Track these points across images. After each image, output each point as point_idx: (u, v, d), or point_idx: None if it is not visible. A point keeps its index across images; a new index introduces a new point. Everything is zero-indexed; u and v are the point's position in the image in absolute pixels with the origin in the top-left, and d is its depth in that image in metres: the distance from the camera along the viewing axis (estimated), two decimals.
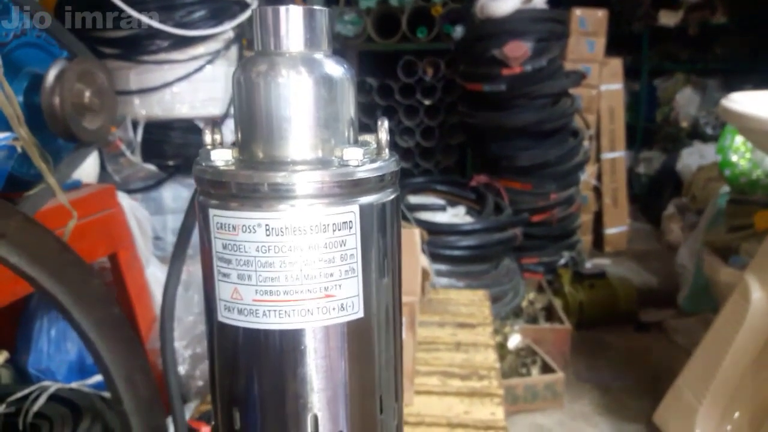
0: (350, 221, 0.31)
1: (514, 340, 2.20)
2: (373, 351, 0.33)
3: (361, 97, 3.03)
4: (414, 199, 2.49)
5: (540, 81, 2.56)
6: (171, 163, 1.38)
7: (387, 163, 0.33)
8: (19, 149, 0.78)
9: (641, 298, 2.73)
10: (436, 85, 2.95)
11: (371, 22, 2.93)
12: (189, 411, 1.09)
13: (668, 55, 4.50)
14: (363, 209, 0.31)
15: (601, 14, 3.06)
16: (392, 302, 0.34)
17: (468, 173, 2.89)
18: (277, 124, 0.31)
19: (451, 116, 2.99)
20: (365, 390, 0.33)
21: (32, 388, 0.95)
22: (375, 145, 0.34)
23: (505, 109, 2.61)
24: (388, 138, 0.34)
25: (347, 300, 0.31)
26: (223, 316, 0.32)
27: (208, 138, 0.32)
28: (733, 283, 1.85)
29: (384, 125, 0.34)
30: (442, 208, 2.42)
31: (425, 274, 0.98)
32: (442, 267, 2.20)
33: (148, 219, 1.21)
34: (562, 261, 2.75)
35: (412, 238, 0.93)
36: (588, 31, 3.05)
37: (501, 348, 2.16)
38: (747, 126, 1.72)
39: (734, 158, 2.37)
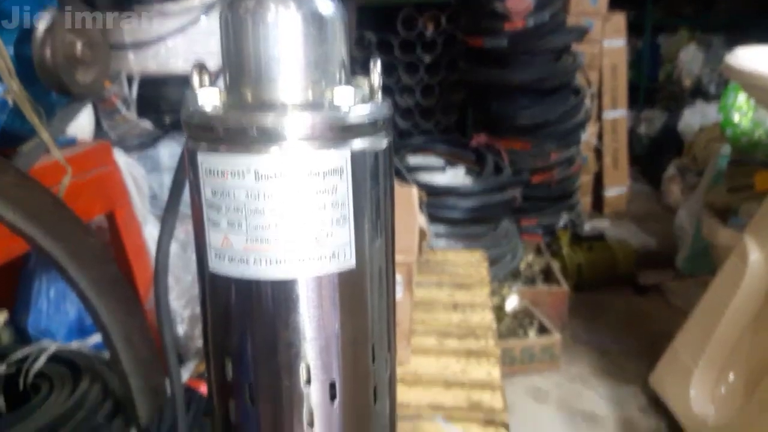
0: (341, 167, 0.30)
1: (512, 302, 2.21)
2: (365, 301, 0.33)
3: (359, 52, 2.97)
4: (413, 160, 2.47)
5: (542, 36, 2.51)
6: (167, 119, 1.36)
7: (379, 107, 0.32)
8: (11, 103, 0.77)
9: (640, 261, 2.73)
10: (437, 40, 2.89)
11: None
12: (188, 371, 1.10)
13: (672, 11, 4.40)
14: (354, 155, 0.30)
15: None
16: (385, 253, 0.33)
17: (468, 133, 2.86)
18: (265, 64, 0.30)
19: (451, 73, 2.94)
20: (357, 340, 0.33)
21: (32, 348, 0.96)
22: (367, 89, 0.33)
23: (507, 65, 2.57)
24: (381, 81, 0.33)
25: (339, 249, 0.31)
26: (214, 265, 0.32)
27: (195, 80, 0.31)
28: (732, 244, 1.85)
29: (377, 67, 0.33)
30: (442, 169, 2.40)
31: (422, 233, 0.97)
32: (441, 229, 2.19)
33: (145, 177, 1.20)
34: (561, 223, 2.75)
35: (410, 196, 0.92)
36: None
37: (498, 310, 2.17)
38: (751, 83, 1.69)
39: (736, 118, 2.34)
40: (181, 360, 1.17)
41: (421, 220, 1.00)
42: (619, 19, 3.26)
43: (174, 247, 1.20)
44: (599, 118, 3.29)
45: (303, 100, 0.30)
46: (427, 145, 2.63)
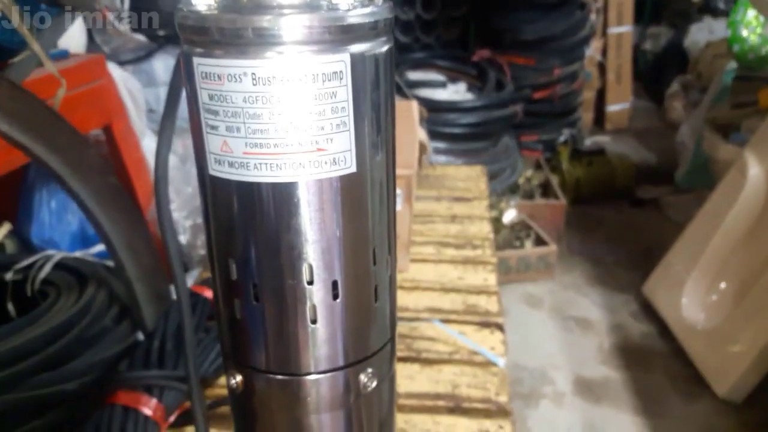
0: (341, 71, 0.30)
1: (510, 215, 2.24)
2: (366, 205, 0.33)
3: None
4: (414, 75, 2.43)
5: None
6: (161, 32, 1.33)
7: (380, 9, 0.31)
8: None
9: (639, 175, 2.74)
10: None
11: None
12: (192, 278, 1.13)
13: None
14: (354, 59, 0.30)
15: None
16: (386, 161, 0.34)
17: (471, 48, 2.79)
18: None
19: None
20: (358, 242, 0.33)
21: (37, 256, 0.98)
22: None
23: None
24: None
25: (339, 154, 0.31)
26: (214, 170, 0.32)
27: None
28: (732, 159, 1.85)
29: None
30: (443, 85, 2.37)
31: (423, 147, 0.97)
32: (441, 145, 2.18)
33: (141, 90, 1.18)
34: (562, 138, 2.74)
35: (410, 110, 0.91)
36: None
37: (496, 222, 2.20)
38: None
39: (744, 33, 2.29)
40: (186, 268, 1.20)
41: (422, 133, 1.00)
42: None
43: (173, 160, 1.20)
44: (604, 33, 3.20)
45: (300, 1, 0.30)
46: (427, 60, 2.58)
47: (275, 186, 0.31)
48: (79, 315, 0.82)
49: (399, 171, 0.90)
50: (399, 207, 0.93)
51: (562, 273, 2.16)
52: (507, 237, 2.18)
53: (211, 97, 0.30)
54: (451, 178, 1.51)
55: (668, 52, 3.76)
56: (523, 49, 2.55)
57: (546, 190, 2.50)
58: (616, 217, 2.58)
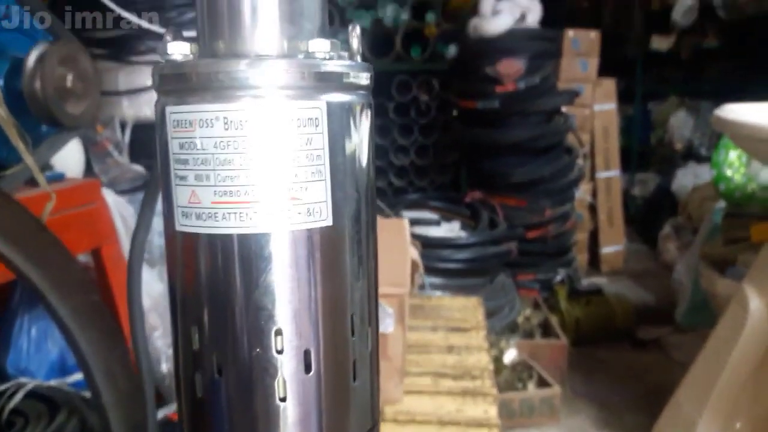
0: (316, 118, 0.29)
1: (510, 355, 2.17)
2: (344, 264, 0.31)
3: None
4: (408, 214, 2.47)
5: (533, 98, 2.57)
6: None
7: (358, 64, 0.31)
8: None
9: (638, 316, 2.70)
10: (431, 105, 2.96)
11: (366, 41, 2.95)
12: (173, 407, 1.05)
13: (662, 79, 4.54)
14: (331, 107, 0.29)
15: (593, 35, 3.09)
16: (366, 217, 0.32)
17: (463, 191, 2.88)
18: (239, 16, 0.29)
19: (445, 135, 2.99)
20: (335, 306, 0.31)
21: (8, 384, 0.92)
22: (347, 52, 0.33)
23: (499, 126, 2.62)
24: (360, 45, 0.33)
25: (314, 205, 0.29)
26: (181, 225, 0.30)
27: (168, 37, 0.31)
28: (731, 294, 1.83)
29: (356, 31, 0.33)
30: (437, 223, 2.40)
31: (415, 265, 0.96)
32: (437, 281, 2.17)
33: (134, 217, 1.19)
34: (558, 278, 2.73)
35: (400, 227, 0.91)
36: (581, 52, 3.07)
37: (497, 362, 2.12)
38: (740, 133, 1.71)
39: (728, 172, 2.36)
40: (165, 398, 1.12)
41: (413, 251, 0.99)
42: (610, 84, 3.35)
43: (160, 287, 1.18)
44: (593, 177, 3.32)
45: (278, 51, 0.30)
46: (421, 201, 2.64)
47: (244, 238, 0.29)
48: None
49: (391, 289, 0.87)
50: (390, 329, 0.90)
51: (567, 416, 2.05)
52: (509, 378, 2.09)
53: (181, 146, 0.29)
54: (447, 309, 1.48)
55: (657, 196, 3.88)
56: (514, 190, 2.62)
57: (546, 329, 2.45)
58: (619, 358, 2.50)
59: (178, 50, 0.29)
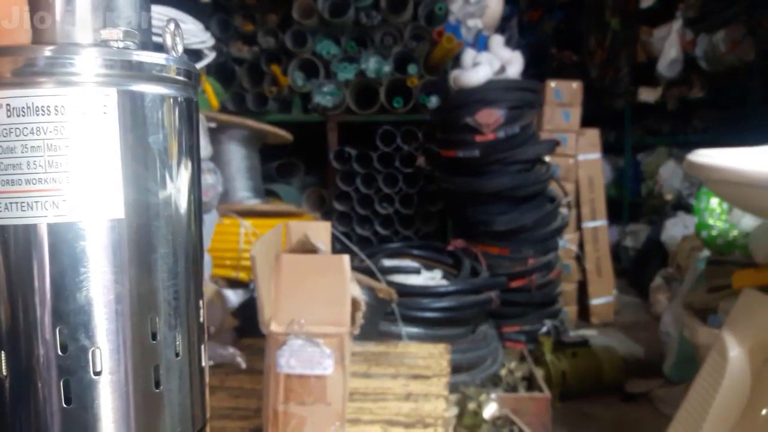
0: (105, 105, 0.28)
1: (490, 409, 2.10)
2: (140, 263, 0.29)
3: (340, 165, 3.05)
4: (388, 263, 2.45)
5: (513, 147, 2.58)
6: None
7: (160, 56, 0.31)
8: None
9: (628, 369, 2.63)
10: (414, 154, 2.98)
11: (350, 93, 3.00)
12: None
13: (650, 130, 4.58)
14: (126, 96, 0.28)
15: (575, 86, 3.13)
16: (177, 215, 0.31)
17: (448, 240, 2.87)
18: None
19: (429, 184, 3.00)
20: (128, 306, 0.29)
21: None
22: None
23: (481, 174, 2.62)
24: (177, 42, 0.32)
25: (102, 197, 0.28)
26: None
27: None
28: (712, 343, 1.79)
29: (170, 27, 0.32)
30: (416, 271, 2.38)
31: (356, 304, 0.94)
32: (415, 330, 2.13)
33: None
34: (544, 329, 2.68)
35: (340, 264, 0.89)
36: (563, 102, 3.11)
37: (475, 416, 2.06)
38: (713, 177, 1.71)
39: (710, 220, 2.35)
40: None
41: (355, 289, 0.97)
42: (593, 134, 3.37)
43: None
44: (579, 227, 3.31)
45: (64, 37, 0.29)
46: (403, 249, 2.62)
47: (26, 229, 0.28)
48: None
49: (329, 329, 0.85)
50: (330, 371, 0.87)
51: None
52: None
53: None
54: (412, 356, 1.44)
55: (648, 246, 3.85)
56: (497, 239, 2.61)
57: (531, 383, 2.38)
58: (607, 413, 2.42)
59: None
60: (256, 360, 1.30)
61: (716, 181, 1.72)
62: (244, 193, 2.33)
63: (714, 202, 2.35)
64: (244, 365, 1.26)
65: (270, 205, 2.34)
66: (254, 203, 2.31)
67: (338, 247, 2.31)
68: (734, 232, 2.28)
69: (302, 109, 3.12)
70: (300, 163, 3.12)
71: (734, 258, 2.24)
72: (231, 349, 1.30)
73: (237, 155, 2.33)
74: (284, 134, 2.50)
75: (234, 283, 1.92)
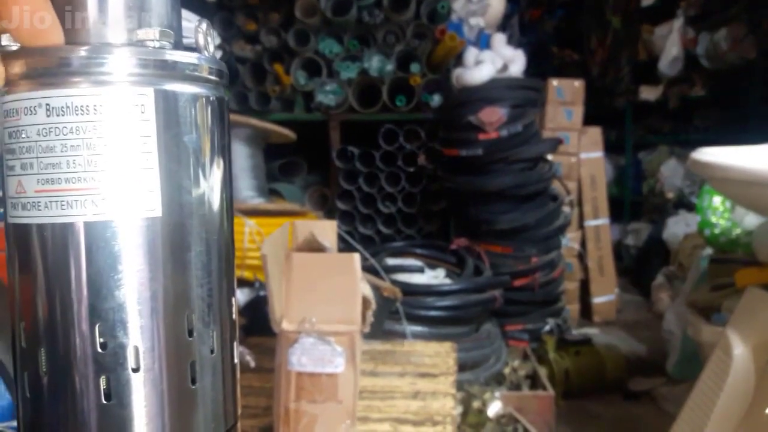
0: (143, 105, 0.28)
1: (495, 407, 2.11)
2: (177, 259, 0.30)
3: (342, 164, 3.06)
4: (392, 261, 2.45)
5: (516, 146, 2.58)
6: None
7: (197, 56, 0.31)
8: None
9: (630, 367, 2.64)
10: (416, 152, 2.98)
11: (352, 92, 3.00)
12: None
13: (651, 129, 4.59)
14: (162, 95, 0.29)
15: (577, 84, 3.14)
16: (209, 213, 0.31)
17: (451, 239, 2.87)
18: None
19: (432, 183, 3.01)
20: (165, 303, 0.29)
21: None
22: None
23: (483, 173, 2.63)
24: (210, 42, 0.33)
25: (143, 195, 0.29)
26: (11, 217, 0.29)
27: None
28: (716, 341, 1.79)
29: (202, 26, 0.32)
30: (420, 270, 2.38)
31: (366, 302, 0.94)
32: (419, 328, 2.13)
33: None
34: (547, 328, 2.68)
35: (350, 263, 0.90)
36: (565, 101, 3.11)
37: (480, 414, 2.06)
38: (716, 176, 1.72)
39: (713, 218, 2.36)
40: None
41: (365, 288, 0.97)
42: (596, 133, 3.38)
43: None
44: (581, 226, 3.31)
45: (101, 37, 0.29)
46: (406, 248, 2.63)
47: (64, 228, 0.28)
48: None
49: (340, 327, 0.86)
50: (341, 369, 0.88)
51: None
52: (493, 431, 2.03)
53: (10, 135, 0.29)
54: (419, 354, 1.45)
55: (649, 245, 3.86)
56: (500, 238, 2.61)
57: (534, 381, 2.39)
58: (610, 411, 2.43)
59: (8, 41, 0.29)
60: (264, 358, 1.30)
61: (721, 179, 1.72)
62: (248, 192, 2.34)
63: (717, 200, 2.35)
64: (253, 364, 1.27)
65: (274, 204, 2.34)
66: (258, 202, 2.31)
67: (342, 245, 2.31)
68: (737, 230, 2.28)
69: (305, 108, 3.12)
70: (302, 162, 3.12)
71: (737, 256, 2.24)
72: (239, 348, 1.31)
73: (241, 154, 2.33)
74: (288, 133, 2.51)
75: (239, 282, 1.93)
